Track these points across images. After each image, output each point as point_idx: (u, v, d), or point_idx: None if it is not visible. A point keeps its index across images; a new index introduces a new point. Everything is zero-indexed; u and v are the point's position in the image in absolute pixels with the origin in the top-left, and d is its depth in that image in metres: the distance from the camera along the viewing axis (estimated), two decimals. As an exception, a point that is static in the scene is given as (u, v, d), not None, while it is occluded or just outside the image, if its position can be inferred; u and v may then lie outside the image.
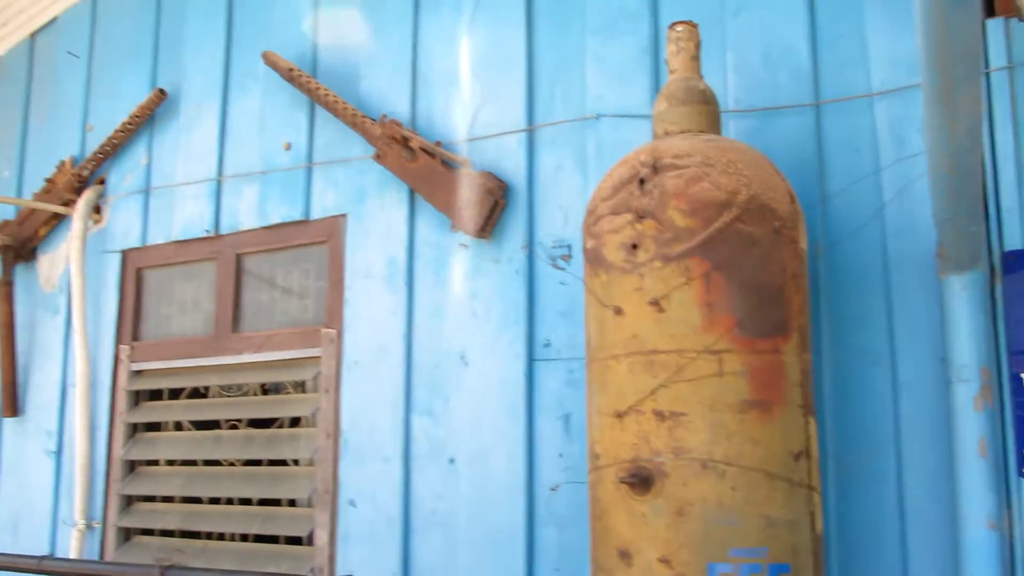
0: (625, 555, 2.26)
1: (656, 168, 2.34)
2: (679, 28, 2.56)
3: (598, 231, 2.42)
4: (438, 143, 3.19)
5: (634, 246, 2.32)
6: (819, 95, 2.67)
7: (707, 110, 2.50)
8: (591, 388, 2.42)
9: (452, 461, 3.06)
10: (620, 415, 2.30)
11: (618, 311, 2.34)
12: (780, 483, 2.20)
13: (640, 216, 2.33)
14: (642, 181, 2.35)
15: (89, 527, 3.87)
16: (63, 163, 4.21)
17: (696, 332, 2.23)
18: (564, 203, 2.99)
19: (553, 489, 2.85)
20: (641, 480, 2.24)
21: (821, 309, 2.57)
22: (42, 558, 3.20)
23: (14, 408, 4.18)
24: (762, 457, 2.20)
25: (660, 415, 2.24)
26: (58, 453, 4.07)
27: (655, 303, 2.28)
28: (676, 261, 2.27)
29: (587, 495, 2.73)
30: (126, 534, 3.84)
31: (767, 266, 2.27)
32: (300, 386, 3.54)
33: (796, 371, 2.27)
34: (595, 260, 2.42)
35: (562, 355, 2.93)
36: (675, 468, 2.22)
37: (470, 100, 3.21)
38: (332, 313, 3.40)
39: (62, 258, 4.20)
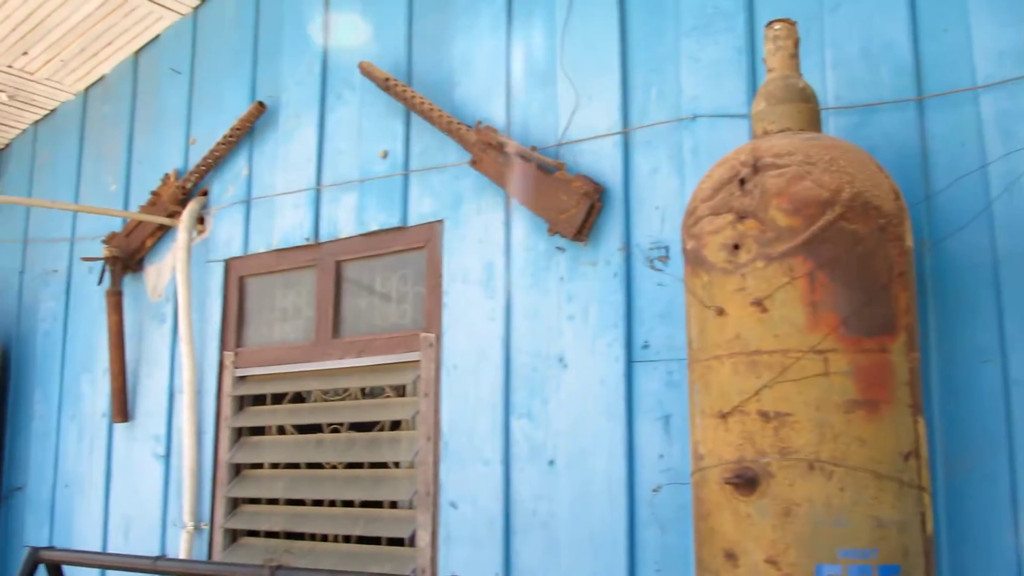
0: (731, 556, 2.25)
1: (756, 167, 2.33)
2: (777, 26, 2.54)
3: (698, 232, 2.42)
4: (533, 148, 3.22)
5: (736, 246, 2.32)
6: (922, 89, 2.62)
7: (807, 108, 2.48)
8: (693, 389, 2.42)
9: (552, 463, 3.08)
10: (724, 416, 2.30)
11: (720, 312, 2.33)
12: (889, 483, 2.17)
13: (741, 216, 2.32)
14: (742, 181, 2.34)
15: (197, 529, 3.98)
16: (167, 176, 4.35)
17: (801, 332, 2.22)
18: (661, 204, 2.99)
19: (655, 490, 2.85)
20: (746, 481, 2.23)
21: (928, 307, 2.53)
22: (156, 559, 3.30)
23: (124, 414, 4.33)
24: (870, 457, 2.17)
25: (765, 415, 2.23)
26: (166, 457, 4.20)
27: (758, 303, 2.27)
28: (779, 261, 2.26)
29: (689, 496, 2.74)
30: (233, 535, 3.94)
31: (872, 264, 2.24)
32: (400, 390, 3.60)
33: (904, 370, 2.24)
34: (696, 261, 2.42)
35: (661, 356, 2.93)
36: (781, 468, 2.20)
37: (565, 104, 3.23)
38: (430, 317, 3.45)
39: (168, 268, 4.33)
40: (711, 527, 2.32)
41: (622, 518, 2.91)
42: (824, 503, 2.16)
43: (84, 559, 3.78)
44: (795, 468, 2.19)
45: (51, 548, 3.61)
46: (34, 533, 4.68)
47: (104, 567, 4.17)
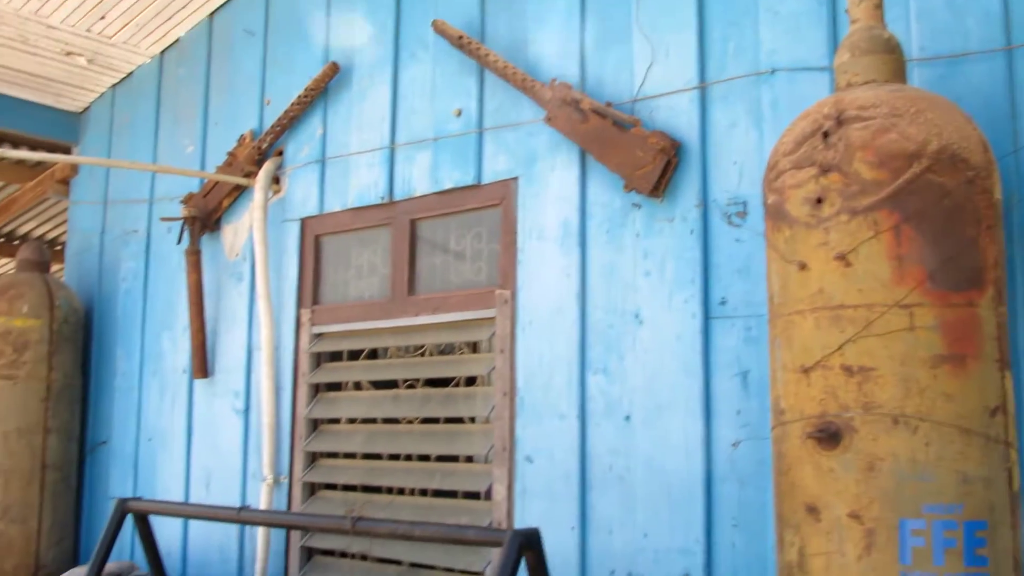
0: (812, 510, 2.26)
1: (840, 120, 2.30)
2: (861, -24, 2.50)
3: (780, 186, 2.40)
4: (608, 104, 3.21)
5: (819, 200, 2.30)
6: (1011, 39, 2.56)
7: (892, 59, 2.44)
8: (774, 344, 2.42)
9: (628, 418, 3.10)
10: (806, 370, 2.29)
11: (802, 266, 2.32)
12: (976, 439, 2.16)
13: (824, 170, 2.30)
14: (826, 134, 2.32)
15: (277, 482, 4.07)
16: (243, 137, 4.41)
17: (885, 286, 2.20)
18: (739, 160, 2.97)
19: (734, 445, 2.86)
20: (829, 435, 2.23)
21: (1017, 261, 2.49)
22: (240, 509, 3.40)
23: (204, 370, 4.43)
24: (956, 412, 2.16)
25: (848, 370, 2.22)
26: (246, 412, 4.29)
27: (841, 257, 2.25)
28: (863, 214, 2.24)
29: (768, 451, 2.74)
30: (311, 489, 4.03)
31: (960, 217, 2.21)
32: (475, 346, 3.64)
33: (991, 325, 2.21)
34: (777, 216, 2.41)
35: (739, 313, 2.92)
36: (864, 423, 2.20)
37: (640, 60, 3.21)
38: (505, 275, 3.47)
39: (245, 227, 4.41)
40: (792, 482, 2.32)
41: (699, 473, 2.93)
42: (909, 458, 2.15)
43: (169, 509, 3.90)
44: (879, 423, 2.18)
45: (138, 499, 3.73)
46: (119, 485, 4.83)
47: (189, 517, 4.32)
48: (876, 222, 2.22)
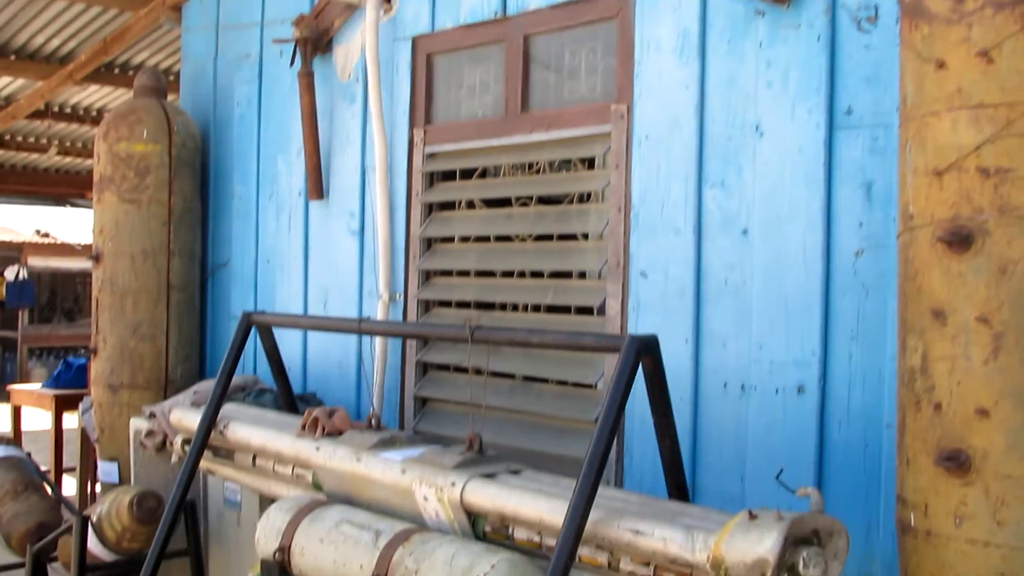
0: (938, 314, 2.23)
1: (990, -94, 2.16)
2: None
3: (919, -19, 2.29)
4: (733, -95, 3.07)
5: (962, -7, 2.19)
6: None
7: None
8: (905, 147, 2.35)
9: (745, 232, 3.08)
10: (939, 173, 2.23)
11: (940, 64, 2.23)
12: (1117, 241, 2.09)
13: (970, -40, 2.17)
14: (973, -78, 2.18)
15: (392, 300, 4.18)
16: (353, -46, 4.36)
17: (1030, 83, 2.11)
18: (872, -39, 2.83)
19: (857, 254, 2.82)
20: (961, 238, 2.18)
21: None
22: (361, 320, 3.52)
23: (319, 191, 4.52)
24: (1098, 214, 2.08)
25: (984, 172, 2.16)
26: (360, 232, 4.38)
27: (983, 54, 2.15)
28: (1010, 8, 2.12)
29: (890, 264, 2.70)
30: (426, 306, 4.13)
31: (1116, 9, 2.08)
32: (589, 162, 3.62)
33: None
34: (915, 12, 2.30)
35: (865, 122, 2.84)
36: (999, 226, 2.14)
37: None
38: (621, 89, 3.42)
39: (356, 48, 4.40)
40: (918, 287, 2.29)
41: (817, 286, 2.91)
42: (1044, 260, 2.10)
43: (292, 321, 4.06)
44: (1015, 226, 2.12)
45: (262, 313, 3.88)
46: (239, 305, 5.01)
47: (312, 328, 4.48)
48: (1023, 16, 2.11)
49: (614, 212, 3.40)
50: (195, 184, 5.14)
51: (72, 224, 17.00)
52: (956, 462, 2.15)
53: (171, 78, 6.84)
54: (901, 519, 2.31)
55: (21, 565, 4.55)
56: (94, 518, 4.06)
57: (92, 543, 4.07)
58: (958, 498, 2.16)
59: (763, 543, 2.10)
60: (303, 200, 4.67)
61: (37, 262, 16.91)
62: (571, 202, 3.66)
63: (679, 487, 2.66)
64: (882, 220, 2.78)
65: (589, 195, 3.59)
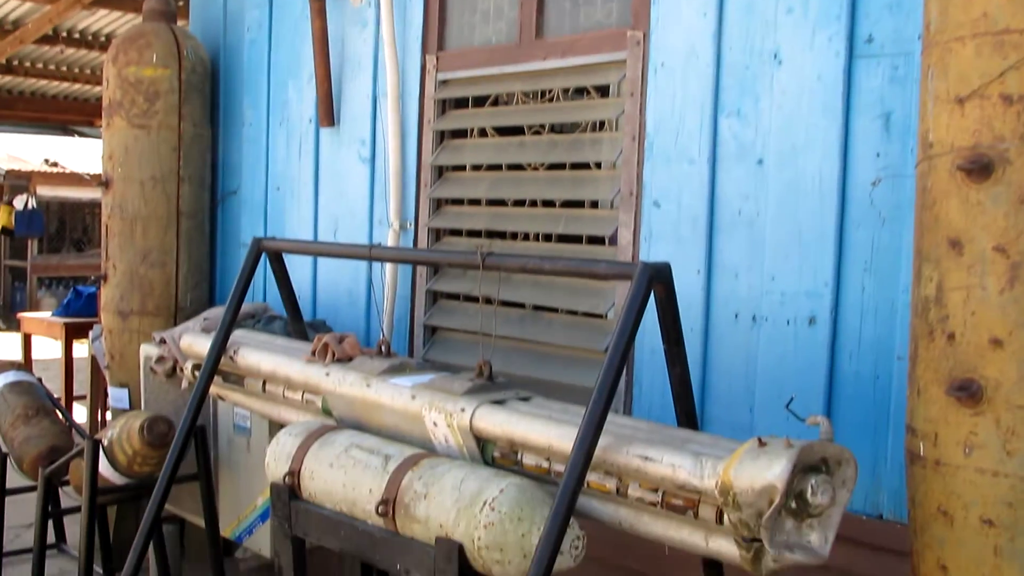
0: (955, 244, 2.21)
1: None
2: None
3: (947, -99, 2.23)
4: None
5: (990, -86, 2.13)
6: None
7: None
8: (927, 74, 2.30)
9: (760, 162, 3.04)
10: (961, 100, 2.19)
11: (966, -12, 2.18)
12: None
13: None
14: None
15: (403, 228, 4.17)
16: None
17: (1057, 8, 2.06)
18: None
19: (874, 183, 2.79)
20: (981, 167, 2.15)
21: None
22: (371, 247, 3.50)
23: (330, 118, 4.47)
24: (1122, 143, 2.05)
25: (1008, 99, 2.12)
26: (371, 160, 4.35)
27: (1011, -23, 2.10)
28: (1039, -71, 2.07)
29: (907, 195, 2.67)
30: (436, 234, 4.12)
31: None
32: (603, 91, 3.58)
33: None
34: (942, -66, 2.25)
35: (886, 51, 2.79)
36: (1020, 155, 2.10)
37: None
38: (638, 15, 3.36)
39: (368, -28, 4.33)
40: (935, 216, 2.26)
41: (832, 217, 2.88)
42: (1064, 190, 2.07)
43: (303, 247, 4.05)
44: (1036, 154, 2.09)
45: (273, 238, 3.87)
46: (249, 232, 5.00)
47: (322, 254, 4.47)
48: (1053, -62, 2.06)
49: (628, 141, 3.37)
50: (205, 110, 5.10)
51: (81, 154, 16.94)
52: (968, 392, 2.14)
53: (180, 2, 6.73)
54: (910, 449, 2.31)
55: (33, 488, 4.59)
56: (105, 442, 4.09)
57: (103, 467, 4.10)
58: (968, 428, 2.15)
59: (772, 469, 2.10)
60: (314, 127, 4.63)
61: (46, 191, 16.87)
62: (584, 131, 3.63)
63: (688, 415, 2.67)
64: (900, 151, 2.75)
65: (603, 124, 3.55)
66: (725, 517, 2.20)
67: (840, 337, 2.89)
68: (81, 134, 16.12)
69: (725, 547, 2.24)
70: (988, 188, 2.15)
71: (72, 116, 12.91)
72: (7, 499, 4.80)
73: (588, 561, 2.45)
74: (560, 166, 3.69)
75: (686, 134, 3.21)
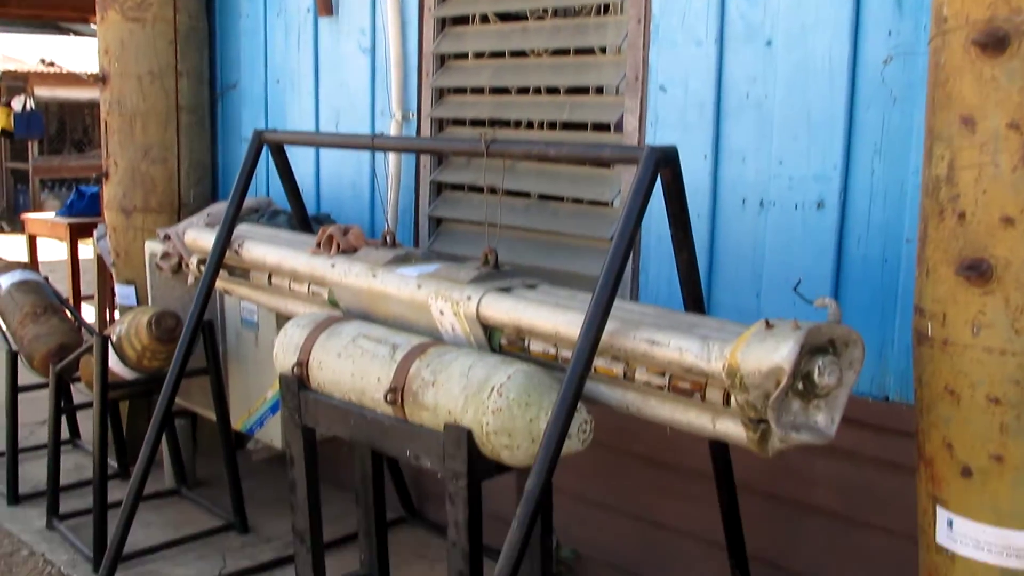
0: (968, 121, 2.16)
1: None
2: None
3: None
4: None
5: None
6: None
7: None
8: (943, -55, 2.23)
9: (769, 43, 2.97)
10: (977, -29, 2.12)
11: None
12: None
13: None
14: None
15: (405, 118, 4.11)
16: None
17: None
18: None
19: (885, 61, 2.73)
20: (996, 40, 2.09)
21: None
22: (374, 137, 3.46)
23: (329, 7, 4.37)
24: None
25: (1026, -31, 2.05)
26: (372, 50, 4.27)
27: None
28: None
29: (919, 74, 2.62)
30: (439, 124, 4.06)
31: None
32: (608, -28, 3.48)
33: None
34: None
35: (900, -77, 2.70)
36: (1037, 28, 2.05)
37: None
38: None
39: None
40: (948, 93, 2.21)
41: (842, 98, 2.83)
42: (1082, 62, 2.02)
43: (305, 139, 4.01)
44: (1054, 26, 2.03)
45: (274, 131, 3.82)
46: (250, 127, 4.92)
47: (324, 145, 4.43)
48: None
49: (633, 24, 3.29)
50: (200, 1, 4.98)
51: (77, 53, 16.69)
52: (977, 271, 2.12)
53: None
54: (918, 329, 2.30)
55: (45, 386, 4.64)
56: (114, 338, 4.10)
57: (113, 362, 4.13)
58: (977, 307, 2.14)
59: (779, 351, 2.10)
60: (312, 16, 4.53)
61: (44, 92, 16.67)
62: (588, 14, 3.53)
63: (695, 300, 2.66)
64: (912, 28, 2.68)
65: (607, 6, 3.46)
66: (732, 399, 2.21)
67: (848, 221, 2.86)
68: (76, 32, 15.85)
69: (732, 429, 2.25)
70: (1003, 63, 2.09)
71: (65, 12, 12.66)
72: (20, 396, 4.85)
73: (596, 445, 2.47)
74: (564, 52, 3.61)
75: (692, 15, 3.13)
